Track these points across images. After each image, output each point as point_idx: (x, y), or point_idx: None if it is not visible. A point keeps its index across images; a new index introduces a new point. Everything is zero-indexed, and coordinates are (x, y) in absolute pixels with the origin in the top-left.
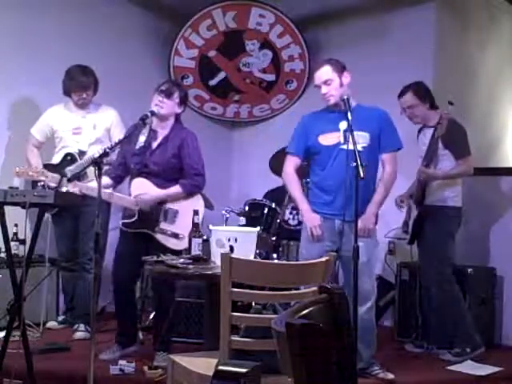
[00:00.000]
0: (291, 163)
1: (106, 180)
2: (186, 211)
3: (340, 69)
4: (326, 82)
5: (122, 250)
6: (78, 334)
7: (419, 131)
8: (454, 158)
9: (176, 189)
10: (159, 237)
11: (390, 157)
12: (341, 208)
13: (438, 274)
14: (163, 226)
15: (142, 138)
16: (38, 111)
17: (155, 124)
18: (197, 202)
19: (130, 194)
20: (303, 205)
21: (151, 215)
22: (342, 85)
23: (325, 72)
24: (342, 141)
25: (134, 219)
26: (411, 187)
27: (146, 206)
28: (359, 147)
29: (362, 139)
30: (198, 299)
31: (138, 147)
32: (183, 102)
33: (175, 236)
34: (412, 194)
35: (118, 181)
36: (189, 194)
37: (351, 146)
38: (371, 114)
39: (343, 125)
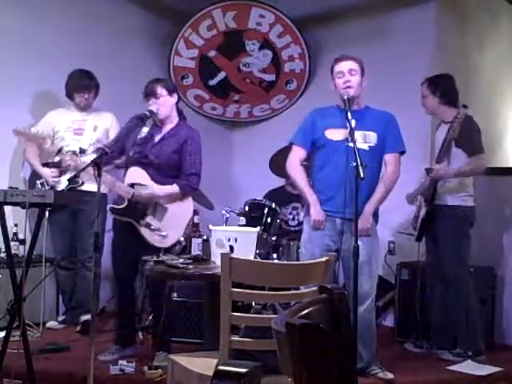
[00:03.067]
0: (297, 154)
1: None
2: (175, 212)
3: (363, 70)
4: (350, 71)
5: (117, 246)
6: (85, 317)
7: (437, 128)
8: (467, 155)
9: (173, 188)
10: (143, 230)
11: (393, 158)
12: (341, 205)
13: (452, 274)
14: (149, 220)
15: (145, 129)
16: (37, 111)
17: (158, 120)
18: (188, 206)
19: (123, 182)
20: (311, 196)
21: (141, 206)
22: (361, 84)
23: (351, 63)
24: (349, 138)
25: (122, 206)
26: (420, 187)
27: (141, 198)
28: (365, 146)
29: (369, 138)
30: (198, 299)
31: (140, 137)
32: (172, 90)
33: (159, 233)
34: (422, 192)
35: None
36: (184, 194)
37: (359, 145)
38: (380, 115)
39: (351, 123)
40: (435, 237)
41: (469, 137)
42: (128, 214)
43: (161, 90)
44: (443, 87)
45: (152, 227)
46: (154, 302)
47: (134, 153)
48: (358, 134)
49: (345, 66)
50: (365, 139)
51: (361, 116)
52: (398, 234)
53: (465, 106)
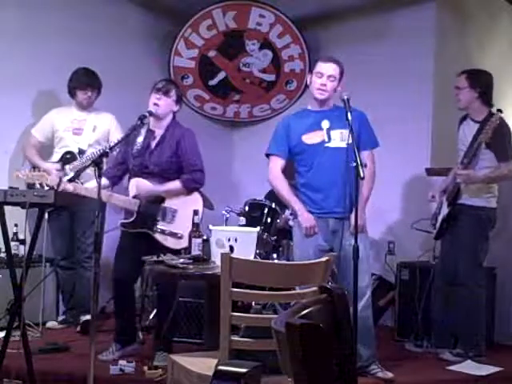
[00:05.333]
0: (276, 164)
1: (102, 180)
2: (185, 210)
3: (342, 76)
4: (329, 77)
5: (122, 247)
6: (85, 317)
7: (461, 121)
8: (497, 160)
9: (175, 184)
10: (158, 236)
11: (368, 155)
12: (333, 206)
13: (468, 275)
14: (162, 225)
15: (139, 139)
16: (37, 111)
17: (152, 124)
18: (196, 201)
19: (127, 195)
20: (296, 205)
21: (149, 215)
22: (335, 90)
23: (334, 68)
24: (326, 139)
25: (132, 219)
26: (445, 181)
27: (145, 198)
28: (344, 144)
29: (346, 137)
30: (198, 299)
31: (136, 148)
32: (179, 100)
33: (174, 235)
34: (445, 189)
35: (114, 181)
36: (189, 189)
37: (338, 144)
38: (352, 114)
39: (325, 124)
40: (454, 237)
41: (502, 141)
42: (140, 225)
43: (173, 94)
44: (484, 83)
45: (166, 232)
46: (162, 303)
47: (134, 166)
48: (335, 133)
49: (326, 69)
50: (342, 137)
51: (334, 115)
52: (398, 234)
53: (500, 111)
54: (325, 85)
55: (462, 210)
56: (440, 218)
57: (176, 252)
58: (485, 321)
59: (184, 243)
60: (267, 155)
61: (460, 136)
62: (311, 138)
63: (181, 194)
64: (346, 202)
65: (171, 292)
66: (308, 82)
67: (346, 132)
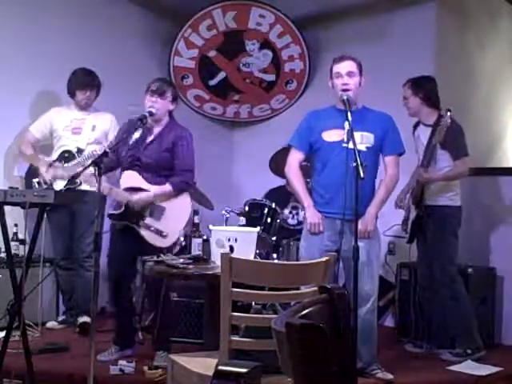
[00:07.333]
0: (295, 157)
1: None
2: (173, 210)
3: (361, 70)
4: (349, 74)
5: (114, 248)
6: (83, 318)
7: (415, 127)
8: (452, 159)
9: (167, 188)
10: (143, 232)
11: (393, 160)
12: (340, 206)
13: (443, 274)
14: (148, 221)
15: (136, 134)
16: (35, 111)
17: (150, 122)
18: (184, 203)
19: (118, 186)
20: (306, 200)
21: (137, 209)
22: (359, 84)
23: (350, 64)
24: (345, 139)
25: (120, 211)
26: (409, 183)
27: (137, 206)
28: (363, 147)
29: (366, 139)
30: (198, 299)
31: (132, 141)
32: (175, 99)
33: (159, 233)
34: (411, 189)
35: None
36: (179, 191)
37: (357, 146)
38: (377, 116)
39: (348, 124)
40: (424, 238)
41: (454, 140)
42: (126, 217)
43: (168, 94)
44: (425, 89)
45: (151, 228)
46: (150, 302)
47: (128, 156)
48: (356, 135)
49: (343, 67)
50: (362, 140)
51: (359, 117)
52: (398, 235)
53: (449, 110)
54: (347, 83)
55: (428, 211)
56: (410, 222)
57: (158, 250)
58: (474, 315)
59: (167, 242)
60: (288, 146)
61: (416, 141)
62: (330, 136)
63: (171, 195)
64: (355, 205)
65: (157, 291)
66: (331, 87)
67: (367, 135)
